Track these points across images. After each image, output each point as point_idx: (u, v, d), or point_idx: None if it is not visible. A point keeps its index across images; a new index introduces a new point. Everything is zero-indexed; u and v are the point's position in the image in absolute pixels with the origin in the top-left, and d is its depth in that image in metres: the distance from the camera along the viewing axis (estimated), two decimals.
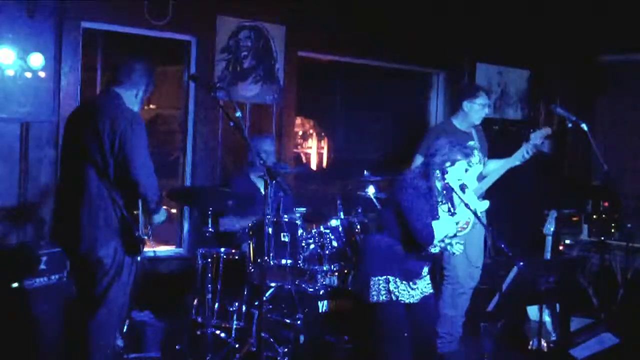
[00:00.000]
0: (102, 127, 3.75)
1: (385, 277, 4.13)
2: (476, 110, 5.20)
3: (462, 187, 4.13)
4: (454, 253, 4.26)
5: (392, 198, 4.34)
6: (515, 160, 5.16)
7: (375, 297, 4.15)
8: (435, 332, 4.53)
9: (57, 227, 4.01)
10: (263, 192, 4.41)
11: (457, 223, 4.19)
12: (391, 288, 4.12)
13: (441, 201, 4.20)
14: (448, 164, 4.13)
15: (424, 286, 4.28)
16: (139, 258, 4.00)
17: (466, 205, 4.14)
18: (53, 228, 4.05)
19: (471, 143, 5.22)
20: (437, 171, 4.14)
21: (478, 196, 5.11)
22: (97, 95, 4.10)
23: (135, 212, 3.84)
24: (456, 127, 5.27)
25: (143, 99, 4.07)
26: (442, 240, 4.19)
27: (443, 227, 4.13)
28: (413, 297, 4.20)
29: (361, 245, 4.36)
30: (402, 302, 4.15)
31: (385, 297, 4.13)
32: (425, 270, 4.28)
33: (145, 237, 3.93)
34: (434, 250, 4.23)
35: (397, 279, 4.14)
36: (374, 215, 5.79)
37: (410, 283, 4.19)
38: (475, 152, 5.20)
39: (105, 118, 3.77)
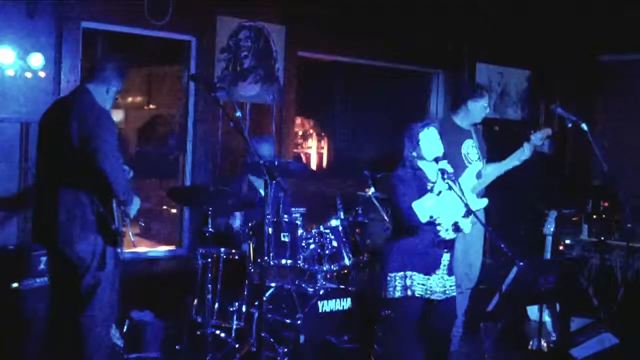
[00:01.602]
0: (72, 124, 3.87)
1: (402, 272, 4.23)
2: (479, 110, 5.25)
3: (437, 159, 4.24)
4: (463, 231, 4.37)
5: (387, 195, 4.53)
6: (514, 159, 5.16)
7: (391, 293, 4.25)
8: (450, 333, 4.57)
9: (37, 227, 4.11)
10: (262, 193, 4.40)
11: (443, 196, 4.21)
12: (408, 283, 4.20)
13: (433, 182, 4.26)
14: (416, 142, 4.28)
15: (449, 286, 4.33)
16: (119, 250, 4.06)
17: (466, 205, 4.16)
18: (33, 228, 4.15)
19: (469, 141, 5.26)
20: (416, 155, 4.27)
21: (477, 194, 5.12)
22: (69, 94, 4.19)
23: (110, 205, 3.92)
24: (457, 124, 5.28)
25: (115, 95, 4.18)
26: (451, 221, 4.27)
27: (433, 205, 4.16)
28: (434, 293, 4.26)
29: (385, 250, 4.44)
30: (420, 296, 4.21)
31: (401, 292, 4.22)
32: (446, 259, 4.31)
33: (123, 230, 4.02)
34: (447, 235, 4.27)
35: (415, 273, 4.21)
36: (374, 216, 5.80)
37: (432, 276, 4.24)
38: (474, 149, 5.26)
39: (75, 115, 3.89)
